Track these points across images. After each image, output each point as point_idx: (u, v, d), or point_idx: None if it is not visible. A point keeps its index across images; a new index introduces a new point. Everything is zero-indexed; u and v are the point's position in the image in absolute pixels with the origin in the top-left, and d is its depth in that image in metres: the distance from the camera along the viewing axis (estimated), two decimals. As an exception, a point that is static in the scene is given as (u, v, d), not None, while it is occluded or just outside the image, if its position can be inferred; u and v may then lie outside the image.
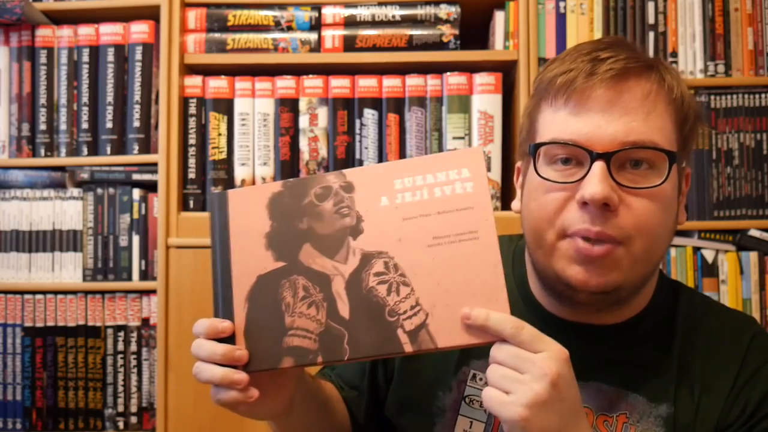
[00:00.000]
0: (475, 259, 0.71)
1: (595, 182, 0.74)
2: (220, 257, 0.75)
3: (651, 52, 1.62)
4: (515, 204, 0.88)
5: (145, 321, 1.65)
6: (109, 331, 1.65)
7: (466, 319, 0.69)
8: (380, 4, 1.67)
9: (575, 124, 0.78)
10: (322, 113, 1.65)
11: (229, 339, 0.73)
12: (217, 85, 1.66)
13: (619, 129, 0.76)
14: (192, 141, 1.66)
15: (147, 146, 1.67)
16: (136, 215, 1.66)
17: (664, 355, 0.84)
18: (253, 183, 1.65)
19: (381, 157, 1.64)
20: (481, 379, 0.87)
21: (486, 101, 1.62)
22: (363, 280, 0.72)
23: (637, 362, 0.84)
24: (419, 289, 0.72)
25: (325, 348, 0.72)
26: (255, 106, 1.66)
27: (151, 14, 1.66)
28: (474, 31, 1.74)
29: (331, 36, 1.67)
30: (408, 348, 0.71)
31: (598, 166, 0.75)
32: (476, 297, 0.71)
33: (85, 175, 1.67)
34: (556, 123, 0.79)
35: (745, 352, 0.84)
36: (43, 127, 1.69)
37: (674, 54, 1.63)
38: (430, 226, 0.72)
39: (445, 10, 1.66)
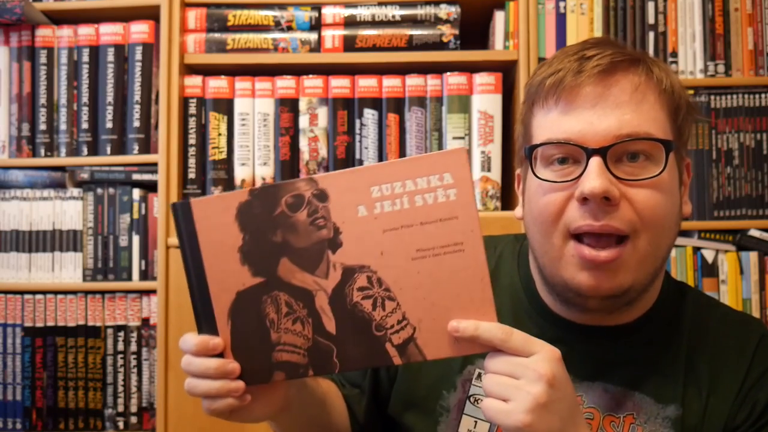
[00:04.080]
0: (461, 272, 0.69)
1: (593, 177, 0.74)
2: (194, 272, 0.73)
3: (651, 52, 1.62)
4: (518, 211, 0.88)
5: (145, 321, 1.65)
6: (109, 331, 1.65)
7: (455, 331, 0.69)
8: (380, 4, 1.67)
9: (567, 122, 0.78)
10: (322, 113, 1.65)
11: (218, 354, 0.72)
12: (217, 85, 1.66)
13: (611, 123, 0.76)
14: (192, 141, 1.66)
15: (147, 146, 1.67)
16: (136, 215, 1.66)
17: (672, 355, 0.84)
18: (253, 183, 1.65)
19: (381, 158, 1.64)
20: (482, 384, 0.87)
21: (486, 101, 1.62)
22: (347, 295, 0.71)
23: (644, 363, 0.84)
24: (405, 304, 0.70)
25: (315, 362, 0.72)
26: (255, 106, 1.66)
27: (151, 14, 1.66)
28: (474, 31, 1.74)
29: (331, 36, 1.67)
30: (397, 360, 0.71)
31: (595, 161, 0.75)
32: (464, 310, 0.69)
33: (85, 175, 1.67)
34: (549, 124, 0.79)
35: (753, 353, 0.84)
36: (43, 127, 1.69)
37: (674, 54, 1.63)
38: (413, 237, 0.69)
39: (445, 10, 1.66)
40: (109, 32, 1.69)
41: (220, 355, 0.72)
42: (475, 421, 0.86)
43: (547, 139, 0.79)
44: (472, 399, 0.87)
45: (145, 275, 1.65)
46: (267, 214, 0.71)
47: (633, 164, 0.77)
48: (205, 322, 0.73)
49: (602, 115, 0.76)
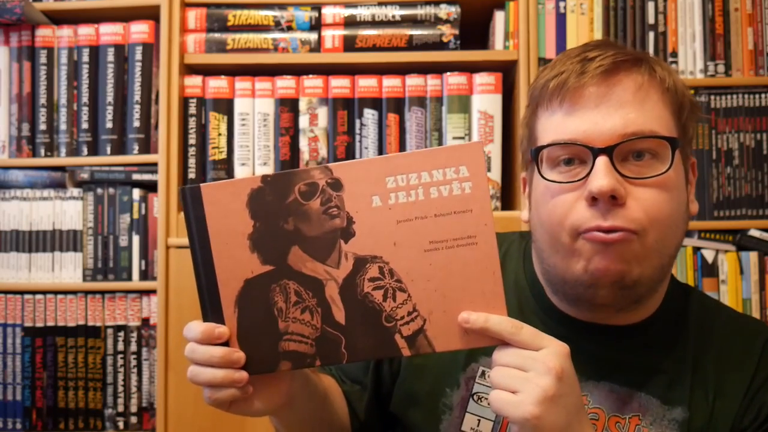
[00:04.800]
0: (473, 265, 0.69)
1: (601, 176, 0.74)
2: (202, 259, 0.72)
3: (651, 52, 1.62)
4: (524, 214, 0.88)
5: (145, 321, 1.65)
6: (109, 331, 1.65)
7: (465, 323, 0.69)
8: (380, 4, 1.67)
9: (572, 123, 0.78)
10: (322, 113, 1.65)
11: (223, 343, 0.72)
12: (217, 85, 1.66)
13: (616, 122, 0.76)
14: (192, 141, 1.66)
15: (147, 146, 1.67)
16: (136, 215, 1.66)
17: (678, 357, 0.84)
18: (253, 183, 1.65)
19: (381, 157, 1.64)
20: (490, 376, 0.87)
21: (486, 101, 1.62)
22: (358, 285, 0.71)
23: (650, 364, 0.84)
24: (416, 295, 0.70)
25: (323, 352, 0.72)
26: (255, 106, 1.66)
27: (151, 14, 1.66)
28: (474, 31, 1.74)
29: (331, 36, 1.67)
30: (406, 352, 0.71)
31: (602, 160, 0.75)
32: (474, 303, 0.70)
33: (85, 175, 1.67)
34: (554, 125, 0.80)
35: (759, 356, 0.84)
36: (43, 127, 1.69)
37: (674, 54, 1.63)
38: (427, 229, 0.69)
39: (445, 10, 1.66)
40: (109, 32, 1.69)
41: (226, 343, 0.72)
42: (479, 420, 0.86)
43: (552, 141, 0.79)
44: (475, 397, 0.87)
45: (145, 275, 1.65)
46: (279, 202, 0.70)
47: (639, 163, 0.77)
48: (211, 309, 0.72)
49: (606, 115, 0.77)
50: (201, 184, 0.72)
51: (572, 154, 0.78)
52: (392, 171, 0.69)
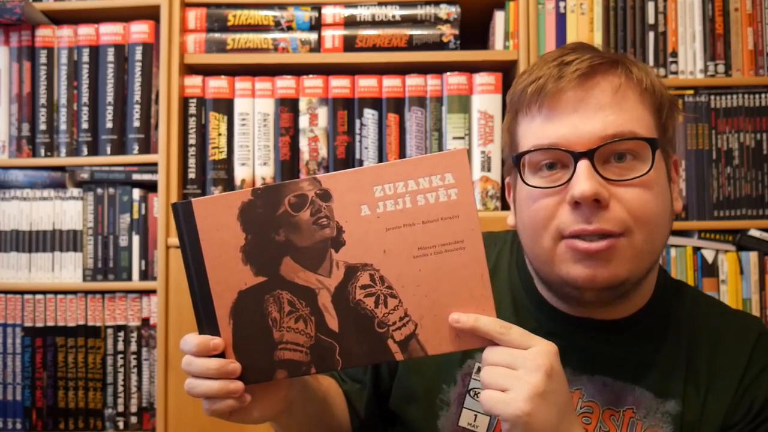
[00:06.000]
0: (462, 269, 0.71)
1: (583, 180, 0.75)
2: (195, 272, 0.73)
3: (651, 52, 1.62)
4: (510, 219, 0.89)
5: (145, 321, 1.65)
6: (109, 331, 1.65)
7: (455, 323, 0.70)
8: (380, 4, 1.68)
9: (552, 128, 0.79)
10: (322, 113, 1.65)
11: (219, 354, 0.73)
12: (217, 85, 1.66)
13: (596, 125, 0.77)
14: (192, 141, 1.66)
15: (147, 146, 1.67)
16: (136, 215, 1.66)
17: (671, 351, 0.85)
18: (253, 183, 1.65)
19: (381, 158, 1.64)
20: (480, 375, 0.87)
21: (486, 101, 1.62)
22: (350, 293, 0.72)
23: (643, 358, 0.84)
24: (407, 301, 0.71)
25: (318, 360, 0.73)
26: (255, 106, 1.66)
27: (151, 14, 1.66)
28: (474, 31, 1.74)
29: (331, 36, 1.67)
30: (399, 356, 0.72)
31: (583, 164, 0.76)
32: (464, 307, 0.71)
33: (85, 175, 1.67)
34: (534, 130, 0.80)
35: (751, 351, 0.84)
36: (43, 127, 1.69)
37: (674, 54, 1.63)
38: (415, 236, 0.71)
39: (445, 10, 1.66)
40: (109, 32, 1.69)
41: (222, 354, 0.73)
42: (475, 415, 0.87)
43: (533, 146, 0.80)
44: (471, 393, 0.87)
45: (145, 275, 1.65)
46: (270, 214, 0.72)
47: (620, 164, 0.78)
48: (206, 322, 0.73)
49: (586, 118, 0.77)
50: (192, 199, 0.73)
51: (554, 159, 0.79)
52: (379, 180, 0.71)
